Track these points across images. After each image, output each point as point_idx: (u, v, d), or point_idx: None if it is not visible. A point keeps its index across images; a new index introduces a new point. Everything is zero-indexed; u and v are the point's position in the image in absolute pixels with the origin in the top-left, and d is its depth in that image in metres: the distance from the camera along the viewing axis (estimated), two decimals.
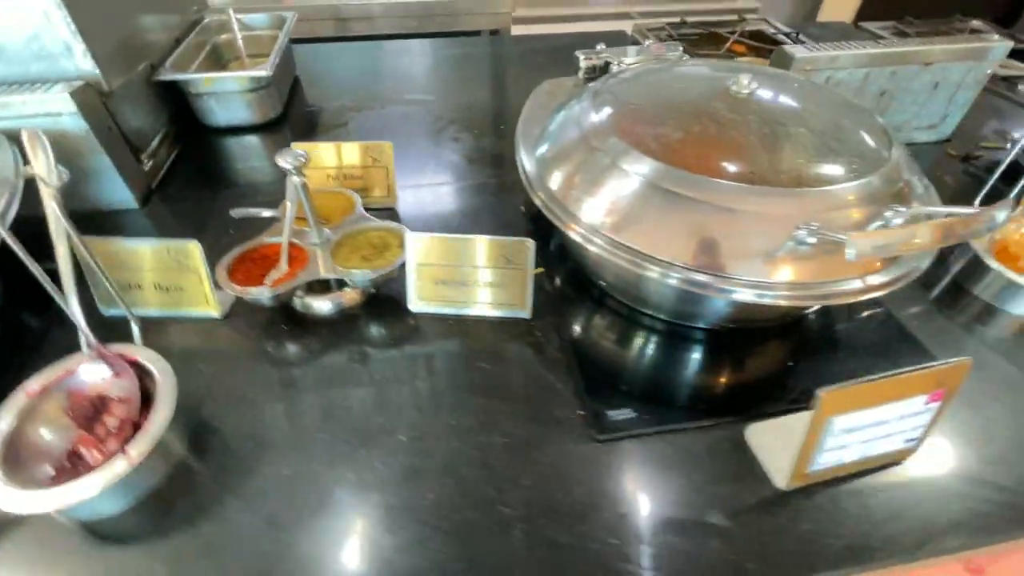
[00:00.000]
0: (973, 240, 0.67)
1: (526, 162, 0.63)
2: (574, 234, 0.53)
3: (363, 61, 1.33)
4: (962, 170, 0.92)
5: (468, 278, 0.62)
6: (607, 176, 0.54)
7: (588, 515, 0.46)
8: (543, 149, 0.63)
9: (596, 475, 0.49)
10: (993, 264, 0.64)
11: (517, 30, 1.73)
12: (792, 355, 0.60)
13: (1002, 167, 0.76)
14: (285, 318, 0.63)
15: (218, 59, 1.10)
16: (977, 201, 0.72)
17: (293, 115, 1.08)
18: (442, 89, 1.20)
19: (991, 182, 0.75)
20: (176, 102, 0.95)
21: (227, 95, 0.95)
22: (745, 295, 0.47)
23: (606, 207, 0.53)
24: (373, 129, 1.03)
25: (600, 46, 0.79)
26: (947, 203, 0.55)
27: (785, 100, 0.60)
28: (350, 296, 0.65)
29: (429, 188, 0.87)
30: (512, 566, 0.43)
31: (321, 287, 0.64)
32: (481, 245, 0.60)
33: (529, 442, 0.52)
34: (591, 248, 0.51)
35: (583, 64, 0.78)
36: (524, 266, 0.61)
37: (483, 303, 0.63)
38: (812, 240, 0.45)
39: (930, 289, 0.69)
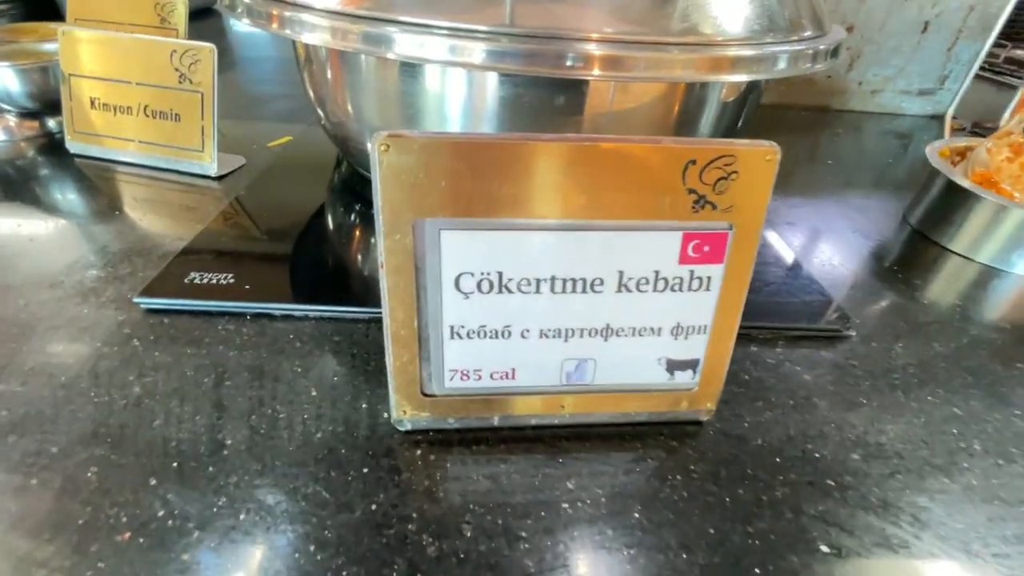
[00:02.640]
0: (935, 156, 0.42)
1: None
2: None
3: None
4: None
5: (132, 100, 0.42)
6: None
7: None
8: None
9: (109, 341, 0.26)
10: (982, 193, 0.38)
11: None
12: None
13: None
14: None
15: None
16: (951, 107, 0.47)
17: None
18: None
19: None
20: None
21: None
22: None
23: None
24: None
25: None
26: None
27: None
28: (9, 123, 0.47)
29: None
30: None
31: None
32: (146, 48, 0.41)
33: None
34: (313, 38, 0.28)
35: None
36: (205, 86, 0.41)
37: (154, 143, 0.43)
38: None
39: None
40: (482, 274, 0.20)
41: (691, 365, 0.23)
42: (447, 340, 0.21)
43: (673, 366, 0.23)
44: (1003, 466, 0.24)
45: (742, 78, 0.29)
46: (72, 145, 0.44)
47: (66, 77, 0.43)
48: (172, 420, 0.23)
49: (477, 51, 0.26)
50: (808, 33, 0.34)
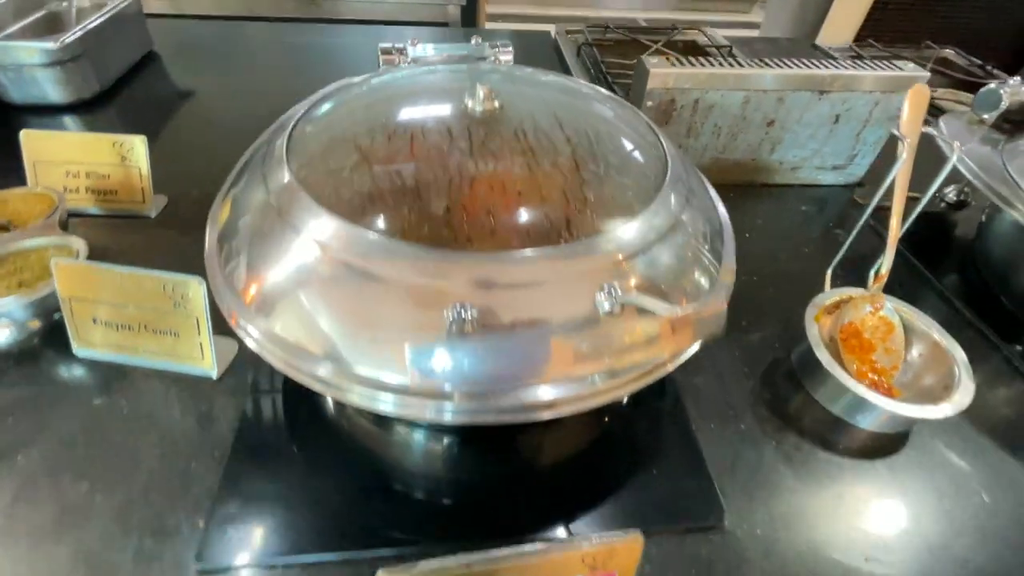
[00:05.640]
0: (810, 321, 0.52)
1: (209, 232, 0.42)
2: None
3: (242, 42, 1.20)
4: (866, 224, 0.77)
5: (133, 320, 0.48)
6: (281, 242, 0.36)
7: None
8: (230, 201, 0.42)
9: None
10: (824, 359, 0.49)
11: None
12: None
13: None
14: None
15: (52, 29, 0.97)
16: (830, 268, 0.57)
17: (129, 96, 0.96)
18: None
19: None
20: None
21: (16, 67, 0.82)
22: None
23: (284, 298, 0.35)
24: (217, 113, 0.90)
25: (410, 41, 0.65)
26: None
27: (533, 114, 0.43)
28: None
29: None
30: None
31: None
32: (139, 281, 0.46)
33: (105, 561, 0.38)
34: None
35: (383, 59, 0.64)
36: (199, 312, 0.47)
37: (158, 352, 0.49)
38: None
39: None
40: None
41: None
42: None
43: None
44: None
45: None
46: (79, 351, 0.50)
47: (66, 299, 0.48)
48: None
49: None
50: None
